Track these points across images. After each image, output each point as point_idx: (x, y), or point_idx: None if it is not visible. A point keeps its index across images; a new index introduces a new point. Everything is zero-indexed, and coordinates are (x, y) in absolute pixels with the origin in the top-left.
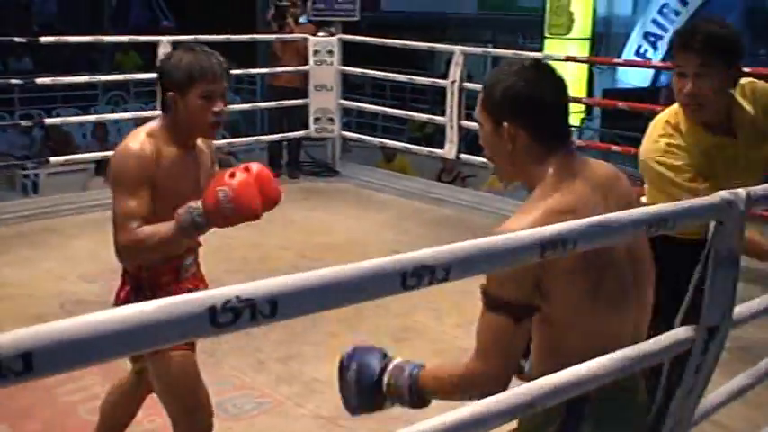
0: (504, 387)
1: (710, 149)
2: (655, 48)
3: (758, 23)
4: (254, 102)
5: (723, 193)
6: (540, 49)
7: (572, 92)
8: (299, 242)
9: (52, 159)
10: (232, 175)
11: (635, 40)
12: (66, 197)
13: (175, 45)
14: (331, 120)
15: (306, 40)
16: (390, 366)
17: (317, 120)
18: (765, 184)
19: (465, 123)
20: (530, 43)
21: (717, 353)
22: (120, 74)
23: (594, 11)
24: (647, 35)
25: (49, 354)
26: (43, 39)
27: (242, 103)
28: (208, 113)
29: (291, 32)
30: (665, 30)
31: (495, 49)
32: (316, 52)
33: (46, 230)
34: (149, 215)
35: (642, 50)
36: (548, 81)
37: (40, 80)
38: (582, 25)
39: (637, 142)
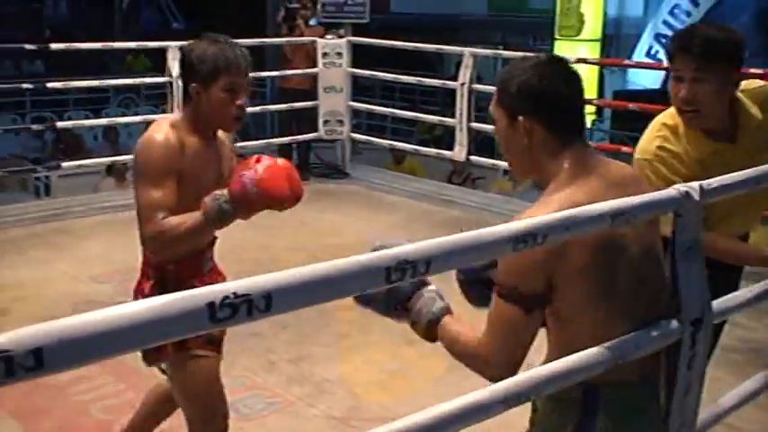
0: (509, 373)
1: (707, 157)
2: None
3: None
4: (264, 104)
5: (678, 186)
6: (551, 51)
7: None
8: (310, 244)
9: (64, 163)
10: (258, 161)
11: (646, 41)
12: (78, 199)
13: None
14: (340, 122)
15: (315, 42)
16: (424, 293)
17: (326, 122)
18: None
19: (475, 125)
20: (540, 45)
21: (705, 346)
22: (130, 77)
23: (605, 12)
24: (657, 36)
25: (58, 350)
26: (53, 45)
27: (251, 105)
28: (231, 106)
29: (301, 35)
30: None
31: (504, 51)
32: (325, 54)
33: (58, 232)
34: (175, 206)
35: (653, 51)
36: (562, 75)
37: (51, 84)
38: (592, 27)
39: None
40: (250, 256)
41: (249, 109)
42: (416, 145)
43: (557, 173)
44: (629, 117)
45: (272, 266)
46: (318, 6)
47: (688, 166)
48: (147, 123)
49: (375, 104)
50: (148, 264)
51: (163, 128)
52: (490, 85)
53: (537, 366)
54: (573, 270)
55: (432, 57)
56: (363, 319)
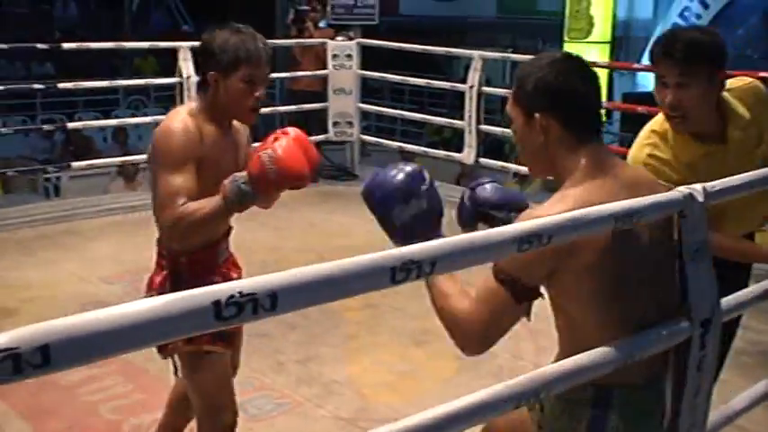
0: (481, 350)
1: (698, 160)
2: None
3: None
4: (274, 106)
5: (682, 188)
6: None
7: None
8: (319, 245)
9: (74, 164)
10: (276, 139)
11: None
12: (88, 200)
13: (194, 50)
14: (350, 123)
15: (325, 44)
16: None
17: (335, 123)
18: None
19: (484, 128)
20: (549, 47)
21: (715, 347)
22: (140, 78)
23: (614, 15)
24: None
25: (65, 347)
26: (65, 45)
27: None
28: (249, 98)
29: (311, 37)
30: None
31: (513, 54)
32: (335, 56)
33: (67, 233)
34: (195, 193)
35: None
36: (578, 72)
37: (62, 85)
38: (602, 29)
39: None
40: (258, 257)
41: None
42: (425, 147)
43: (572, 170)
44: (638, 120)
45: (280, 268)
46: (328, 8)
47: (679, 172)
48: (157, 125)
49: (384, 107)
50: (162, 255)
51: (181, 116)
52: (499, 87)
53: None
54: (581, 268)
55: (440, 59)
56: (372, 320)
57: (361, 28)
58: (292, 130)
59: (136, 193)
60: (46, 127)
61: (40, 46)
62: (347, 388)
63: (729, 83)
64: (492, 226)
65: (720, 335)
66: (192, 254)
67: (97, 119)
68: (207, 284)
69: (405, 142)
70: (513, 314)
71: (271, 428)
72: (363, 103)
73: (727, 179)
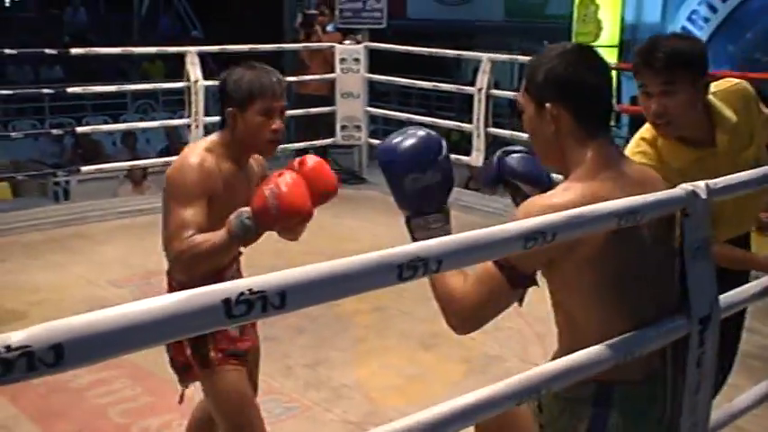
0: (470, 329)
1: (688, 165)
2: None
3: None
4: None
5: (685, 185)
6: None
7: None
8: (327, 249)
9: (83, 168)
10: (280, 175)
11: None
12: (97, 204)
13: (202, 55)
14: (358, 127)
15: (333, 47)
16: (434, 223)
17: (343, 127)
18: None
19: (492, 130)
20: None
21: (714, 344)
22: (148, 82)
23: (623, 18)
24: None
25: (78, 346)
26: (74, 50)
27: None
28: (266, 130)
29: (319, 40)
30: None
31: (522, 57)
32: (342, 60)
33: (76, 236)
34: (204, 227)
35: None
36: (589, 63)
37: (71, 89)
38: (610, 33)
39: None
40: (266, 260)
41: None
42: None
43: (580, 163)
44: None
45: None
46: (336, 12)
47: (670, 178)
48: (165, 129)
49: (391, 110)
50: (172, 286)
51: (198, 152)
52: (507, 90)
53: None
54: (581, 261)
55: (448, 62)
56: (380, 323)
57: (369, 31)
58: (311, 159)
59: (144, 197)
60: (55, 131)
61: (48, 51)
62: (356, 392)
63: (715, 85)
64: (512, 193)
65: (726, 337)
66: (199, 280)
67: (106, 123)
68: None
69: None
70: (507, 298)
71: None
72: (371, 106)
73: (729, 176)
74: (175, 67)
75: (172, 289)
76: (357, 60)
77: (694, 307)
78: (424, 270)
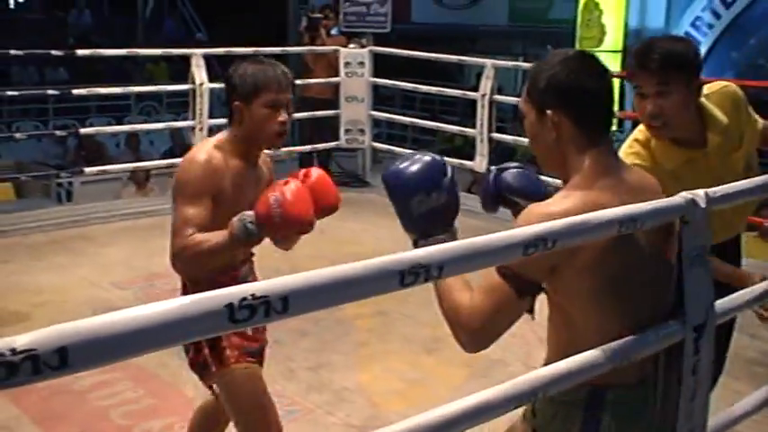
0: (481, 346)
1: (681, 166)
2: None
3: None
4: None
5: (685, 194)
6: None
7: None
8: (330, 252)
9: (87, 169)
10: (286, 183)
11: None
12: (100, 205)
13: (207, 57)
14: (362, 131)
15: (337, 51)
16: (439, 239)
17: (347, 131)
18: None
19: (495, 135)
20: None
21: (709, 351)
22: (152, 84)
23: (626, 23)
24: None
25: (83, 349)
26: (79, 51)
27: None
28: (273, 123)
29: (323, 44)
30: (697, 43)
31: (525, 63)
32: (347, 64)
33: (79, 238)
34: (207, 225)
35: None
36: (591, 70)
37: (76, 91)
38: (614, 38)
39: None
40: (270, 264)
41: None
42: (437, 155)
43: (579, 170)
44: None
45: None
46: (340, 16)
47: (662, 179)
48: (170, 131)
49: (395, 114)
50: (185, 284)
51: (207, 149)
52: (510, 96)
53: (536, 316)
54: (582, 266)
55: (451, 67)
56: (383, 327)
57: (373, 35)
58: (316, 172)
59: (147, 199)
60: (59, 132)
61: (54, 52)
62: (358, 395)
63: (707, 88)
64: (512, 209)
65: (717, 336)
66: (211, 281)
67: (109, 124)
68: None
69: (416, 149)
70: (516, 310)
71: None
72: (375, 110)
73: (728, 185)
74: (179, 69)
75: (185, 284)
76: (361, 64)
77: (689, 314)
78: (425, 276)
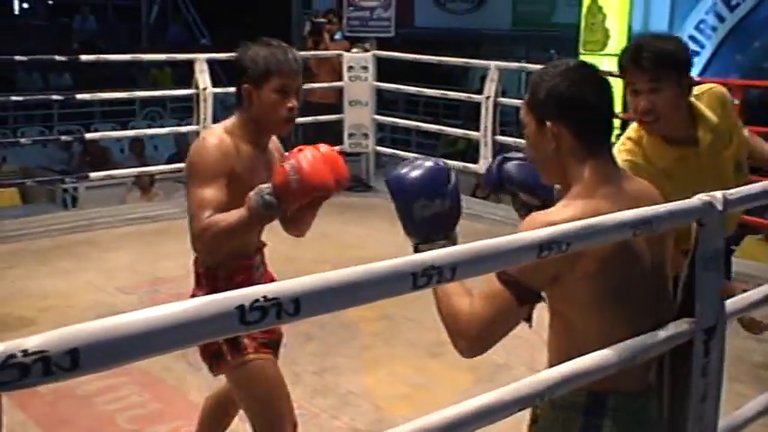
0: (478, 351)
1: (673, 164)
2: (691, 64)
3: None
4: None
5: (702, 196)
6: None
7: None
8: (334, 256)
9: (92, 174)
10: (300, 150)
11: None
12: (105, 210)
13: (210, 62)
14: (365, 135)
15: (340, 56)
16: (439, 244)
17: (351, 135)
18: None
19: (499, 138)
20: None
21: (720, 354)
22: (156, 89)
23: (630, 27)
24: None
25: (94, 351)
26: (84, 57)
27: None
28: (282, 108)
29: (327, 49)
30: (701, 46)
31: (529, 65)
32: (350, 68)
33: (84, 243)
34: (224, 206)
35: None
36: (591, 82)
37: (80, 96)
38: (617, 41)
39: None
40: (275, 267)
41: None
42: (440, 158)
43: (580, 179)
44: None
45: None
46: (343, 21)
47: (654, 177)
48: (175, 136)
49: (398, 118)
50: (199, 274)
51: (217, 133)
52: (514, 98)
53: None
54: (582, 275)
55: (455, 70)
56: (388, 331)
57: (377, 40)
58: (324, 146)
59: (152, 204)
60: (64, 138)
61: (58, 58)
62: (363, 399)
63: (696, 89)
64: (512, 198)
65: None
66: (226, 267)
67: (114, 130)
68: None
69: (420, 153)
70: (515, 317)
71: None
72: (378, 114)
73: (745, 187)
74: (184, 74)
75: (198, 278)
76: (365, 68)
77: (700, 316)
78: (438, 278)
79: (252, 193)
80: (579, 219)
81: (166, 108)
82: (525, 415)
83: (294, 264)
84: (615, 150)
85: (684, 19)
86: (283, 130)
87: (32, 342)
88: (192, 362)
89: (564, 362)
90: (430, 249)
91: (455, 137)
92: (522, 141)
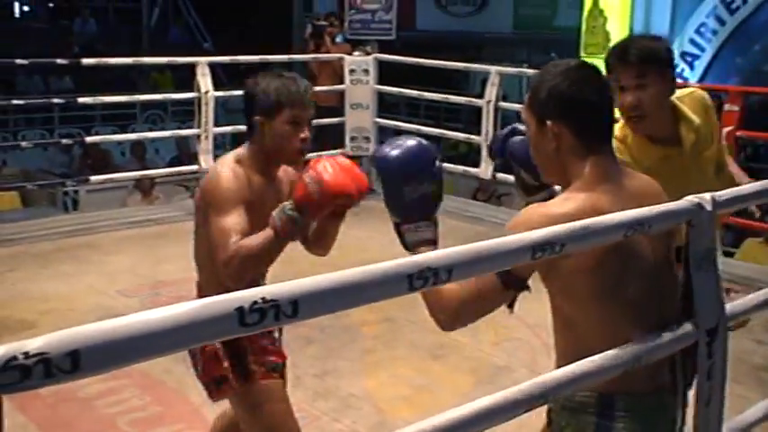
0: (456, 326)
1: (657, 163)
2: (692, 67)
3: None
4: None
5: (691, 197)
6: None
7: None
8: (335, 259)
9: (93, 177)
10: (317, 161)
11: None
12: (106, 214)
13: (211, 66)
14: (367, 138)
15: (342, 59)
16: (423, 224)
17: (352, 138)
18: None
19: None
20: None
21: (723, 355)
22: (157, 93)
23: (631, 30)
24: (683, 54)
25: (94, 353)
26: (84, 60)
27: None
28: (295, 139)
29: (328, 51)
30: (702, 49)
31: (531, 69)
32: (352, 71)
33: (85, 246)
34: (246, 232)
35: (679, 70)
36: (592, 82)
37: (81, 100)
38: None
39: None
40: (275, 270)
41: None
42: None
43: (580, 176)
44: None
45: None
46: (345, 24)
47: None
48: (176, 139)
49: (400, 121)
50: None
51: (228, 164)
52: (515, 102)
53: (515, 308)
54: (576, 269)
55: (456, 74)
56: (389, 333)
57: (378, 43)
58: (339, 157)
59: (153, 207)
60: (64, 141)
61: (59, 61)
62: (364, 402)
63: (678, 92)
64: (515, 177)
65: None
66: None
67: (115, 133)
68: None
69: None
70: (498, 299)
71: None
72: (380, 117)
73: (735, 188)
74: (184, 77)
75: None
76: (366, 72)
77: (700, 317)
78: (434, 280)
79: (274, 213)
80: (579, 213)
81: (167, 111)
82: (527, 417)
83: (294, 266)
84: None
85: (685, 22)
86: (296, 162)
87: (33, 344)
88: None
89: (570, 362)
90: (416, 231)
91: (456, 140)
92: None
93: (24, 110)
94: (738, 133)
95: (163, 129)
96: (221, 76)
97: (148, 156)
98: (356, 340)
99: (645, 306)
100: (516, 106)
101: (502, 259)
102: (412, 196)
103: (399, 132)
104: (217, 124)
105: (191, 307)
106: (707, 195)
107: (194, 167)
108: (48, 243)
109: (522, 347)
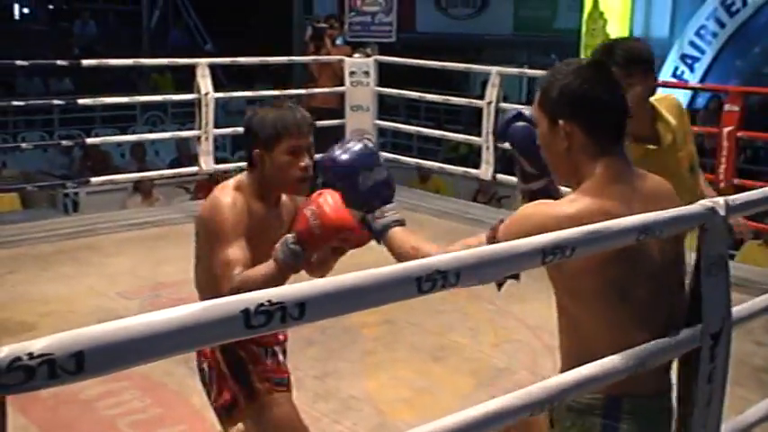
0: None
1: (638, 161)
2: (692, 70)
3: None
4: None
5: (704, 201)
6: None
7: None
8: (339, 260)
9: (93, 179)
10: (320, 195)
11: (672, 61)
12: (106, 215)
13: (212, 67)
14: (367, 140)
15: (342, 61)
16: (386, 207)
17: None
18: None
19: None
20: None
21: (725, 359)
22: (157, 94)
23: (631, 32)
24: (684, 57)
25: (99, 354)
26: (84, 62)
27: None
28: (295, 169)
29: (328, 53)
30: (702, 52)
31: (531, 70)
32: (352, 73)
33: (85, 248)
34: (249, 263)
35: (679, 72)
36: (604, 81)
37: (81, 101)
38: None
39: None
40: None
41: None
42: (442, 163)
43: (590, 176)
44: None
45: None
46: (345, 25)
47: None
48: (176, 140)
49: (400, 123)
50: None
51: (228, 191)
52: (516, 104)
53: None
54: (582, 270)
55: (456, 75)
56: (389, 335)
57: (378, 45)
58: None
59: (153, 209)
60: (64, 143)
61: (59, 63)
62: (365, 404)
63: (655, 96)
64: (515, 165)
65: None
66: None
67: (115, 134)
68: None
69: (421, 159)
70: None
71: None
72: (380, 119)
73: (748, 193)
74: (184, 79)
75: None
76: (366, 73)
77: (707, 322)
78: (443, 283)
79: (277, 245)
80: (584, 215)
81: (167, 113)
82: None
83: None
84: None
85: (685, 24)
86: (298, 191)
87: (38, 345)
88: (194, 367)
89: (575, 365)
90: (383, 216)
91: (457, 142)
92: None
93: (24, 111)
94: (739, 134)
95: (163, 130)
96: (221, 78)
97: (148, 157)
98: (357, 342)
99: (652, 307)
100: (517, 107)
101: (512, 262)
102: (367, 184)
103: (399, 133)
104: (217, 126)
105: (196, 309)
106: (720, 199)
107: (194, 169)
108: (48, 245)
109: (523, 349)
